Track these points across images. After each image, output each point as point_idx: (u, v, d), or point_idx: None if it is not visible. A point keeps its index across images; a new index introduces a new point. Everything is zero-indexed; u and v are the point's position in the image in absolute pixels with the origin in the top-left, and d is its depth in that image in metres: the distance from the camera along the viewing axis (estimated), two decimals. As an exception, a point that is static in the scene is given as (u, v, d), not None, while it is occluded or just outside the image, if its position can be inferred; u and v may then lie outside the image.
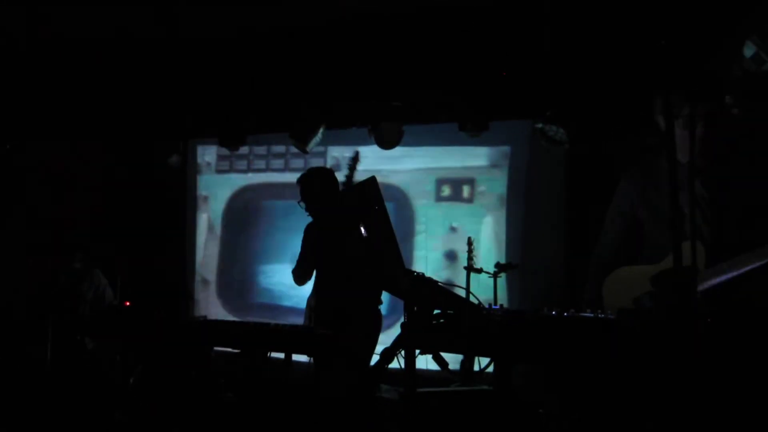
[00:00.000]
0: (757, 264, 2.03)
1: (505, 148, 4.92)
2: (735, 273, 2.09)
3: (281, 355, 2.92)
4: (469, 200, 4.99)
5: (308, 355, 2.85)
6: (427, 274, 2.15)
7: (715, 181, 2.28)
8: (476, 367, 3.78)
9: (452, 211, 5.03)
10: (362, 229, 2.20)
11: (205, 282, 5.70)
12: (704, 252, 2.19)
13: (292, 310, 5.10)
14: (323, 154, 5.34)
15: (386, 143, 4.80)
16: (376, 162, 5.08)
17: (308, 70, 4.72)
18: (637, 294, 2.37)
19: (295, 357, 2.92)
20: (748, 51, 3.37)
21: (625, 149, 4.00)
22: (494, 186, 4.93)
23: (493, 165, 4.94)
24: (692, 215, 1.99)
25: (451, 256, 4.93)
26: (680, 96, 2.20)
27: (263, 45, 4.73)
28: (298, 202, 3.37)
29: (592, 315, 2.15)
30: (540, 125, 4.32)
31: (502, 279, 4.31)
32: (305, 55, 4.68)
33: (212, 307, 5.53)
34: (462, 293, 2.58)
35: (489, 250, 4.80)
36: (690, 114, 2.18)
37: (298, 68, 4.73)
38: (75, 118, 5.24)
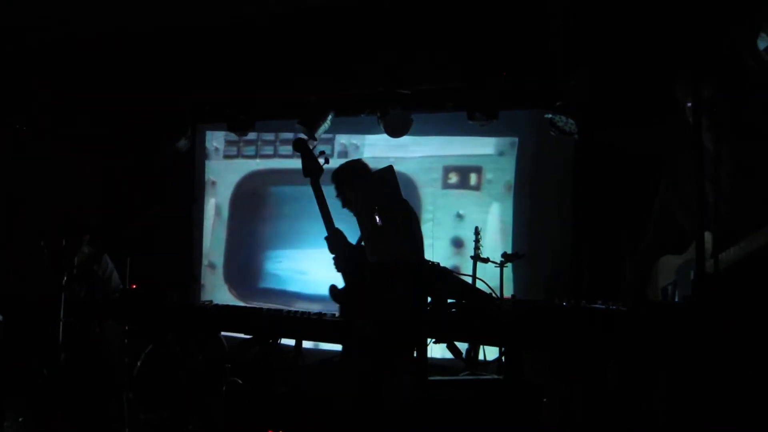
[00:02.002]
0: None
1: (513, 138, 4.91)
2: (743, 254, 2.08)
3: (291, 343, 2.95)
4: (477, 188, 4.98)
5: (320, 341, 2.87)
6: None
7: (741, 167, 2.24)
8: (480, 356, 3.81)
9: (459, 199, 5.02)
10: (377, 218, 2.21)
11: (212, 267, 5.71)
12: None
13: (298, 296, 5.13)
14: (331, 141, 5.33)
15: (395, 131, 4.79)
16: (384, 150, 5.07)
17: (318, 56, 4.70)
18: (664, 284, 2.38)
19: (305, 345, 2.95)
20: (762, 43, 3.35)
21: (635, 140, 4.01)
22: (502, 174, 4.92)
23: (501, 153, 4.93)
24: (716, 204, 1.99)
25: (457, 243, 4.94)
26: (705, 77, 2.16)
27: (273, 29, 4.71)
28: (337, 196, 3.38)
29: (603, 306, 2.17)
30: (549, 115, 4.31)
31: (508, 268, 4.32)
32: (315, 40, 4.66)
33: (219, 292, 5.55)
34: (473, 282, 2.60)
35: (495, 240, 4.81)
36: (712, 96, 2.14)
37: (307, 54, 4.71)
38: (85, 103, 5.24)
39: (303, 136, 3.40)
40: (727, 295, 1.94)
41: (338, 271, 3.14)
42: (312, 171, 3.24)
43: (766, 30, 3.22)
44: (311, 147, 3.29)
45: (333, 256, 3.15)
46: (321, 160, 3.25)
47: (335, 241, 3.12)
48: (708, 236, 2.16)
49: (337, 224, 3.16)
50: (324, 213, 3.15)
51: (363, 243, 3.30)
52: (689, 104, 2.24)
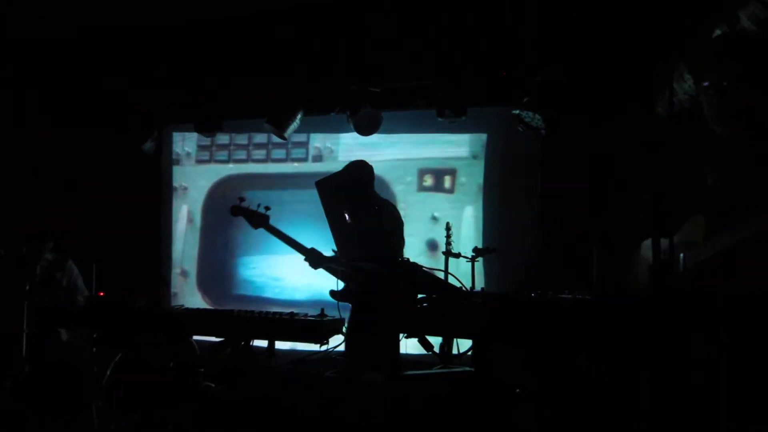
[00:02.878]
0: (736, 240, 2.05)
1: (483, 135, 4.96)
2: (719, 249, 2.10)
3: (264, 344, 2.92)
4: (451, 191, 5.03)
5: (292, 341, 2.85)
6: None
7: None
8: (454, 351, 3.84)
9: (434, 201, 5.06)
10: (346, 216, 2.21)
11: (185, 274, 5.63)
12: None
13: (273, 302, 5.08)
14: (305, 144, 5.32)
15: (365, 129, 4.79)
16: (359, 153, 5.06)
17: (287, 55, 4.68)
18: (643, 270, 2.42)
19: (278, 345, 2.93)
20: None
21: (601, 135, 4.09)
22: (475, 176, 4.97)
23: (475, 156, 4.98)
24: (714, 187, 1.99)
25: (432, 246, 4.97)
26: (707, 57, 2.17)
27: (241, 28, 4.67)
28: None
29: (570, 297, 2.21)
30: (517, 111, 4.37)
31: (479, 263, 4.36)
32: (283, 38, 4.63)
33: (192, 300, 5.46)
34: (444, 278, 2.62)
35: (467, 237, 4.85)
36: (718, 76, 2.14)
37: (276, 52, 4.69)
38: (47, 104, 5.12)
39: (236, 203, 3.71)
40: (689, 290, 1.99)
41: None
42: (259, 222, 3.60)
43: (721, 26, 3.31)
44: (246, 204, 3.65)
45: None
46: (261, 209, 3.61)
47: (313, 259, 3.40)
48: (698, 219, 2.20)
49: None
50: (291, 244, 3.47)
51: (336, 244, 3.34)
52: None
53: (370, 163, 3.61)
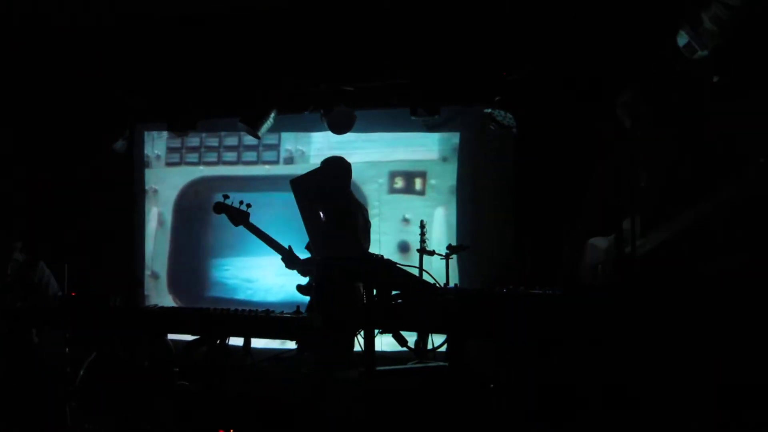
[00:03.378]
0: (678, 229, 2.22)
1: (455, 135, 5.03)
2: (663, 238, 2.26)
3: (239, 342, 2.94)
4: (421, 193, 5.10)
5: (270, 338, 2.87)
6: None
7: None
8: (429, 346, 3.89)
9: (405, 203, 5.12)
10: (321, 214, 2.24)
11: (155, 276, 5.58)
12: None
13: (246, 303, 5.07)
14: (276, 147, 5.32)
15: (339, 128, 4.82)
16: (329, 150, 5.09)
17: (259, 53, 4.67)
18: (594, 263, 2.52)
19: (254, 343, 2.94)
20: (681, 40, 3.57)
21: (571, 133, 4.18)
22: (445, 178, 5.05)
23: (444, 159, 5.06)
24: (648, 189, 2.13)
25: (404, 248, 5.02)
26: (639, 94, 2.36)
27: (213, 26, 4.65)
28: None
29: (540, 291, 2.28)
30: (489, 110, 4.44)
31: (453, 261, 4.43)
32: (256, 37, 4.63)
33: (163, 301, 5.41)
34: (418, 274, 2.67)
35: (441, 235, 4.92)
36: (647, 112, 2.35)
37: (249, 50, 4.68)
38: (15, 102, 5.02)
39: (219, 199, 3.76)
40: (645, 279, 2.09)
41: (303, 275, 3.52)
42: (240, 219, 3.67)
43: (684, 28, 3.43)
44: (230, 201, 3.72)
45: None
46: (243, 207, 3.68)
47: (290, 259, 3.52)
48: (637, 219, 2.32)
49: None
50: (269, 242, 3.56)
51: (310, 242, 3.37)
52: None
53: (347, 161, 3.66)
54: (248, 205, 3.67)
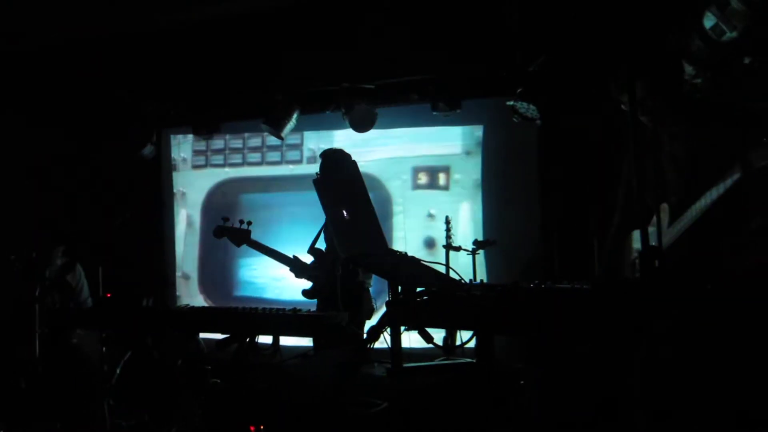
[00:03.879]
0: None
1: (478, 128, 5.00)
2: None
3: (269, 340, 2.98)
4: (446, 188, 5.08)
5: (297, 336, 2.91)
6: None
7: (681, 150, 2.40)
8: (458, 342, 3.88)
9: (429, 199, 5.10)
10: (344, 212, 2.26)
11: (186, 277, 5.69)
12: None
13: (275, 302, 5.13)
14: (300, 146, 5.37)
15: (360, 126, 4.83)
16: (353, 152, 5.10)
17: (279, 53, 4.71)
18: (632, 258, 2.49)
19: (283, 341, 2.98)
20: (708, 22, 3.48)
21: (595, 124, 4.11)
22: (469, 172, 5.02)
23: (468, 153, 5.02)
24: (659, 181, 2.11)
25: (430, 244, 5.01)
26: (639, 82, 2.33)
27: (233, 29, 4.70)
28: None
29: (569, 286, 2.25)
30: (511, 102, 4.39)
31: (480, 256, 4.40)
32: (276, 37, 4.67)
33: (194, 302, 5.51)
34: (443, 271, 2.67)
35: (465, 232, 4.89)
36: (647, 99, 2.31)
37: (269, 52, 4.72)
38: (49, 112, 5.17)
39: (220, 223, 3.75)
40: (672, 271, 2.05)
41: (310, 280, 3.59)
42: (242, 239, 3.70)
43: (711, 9, 3.34)
44: (229, 223, 3.72)
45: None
46: (244, 226, 3.70)
47: (297, 268, 3.58)
48: (665, 207, 2.30)
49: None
50: (274, 255, 3.63)
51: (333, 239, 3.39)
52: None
53: (365, 164, 3.67)
54: (249, 223, 3.68)
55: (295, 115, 4.83)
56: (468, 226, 4.96)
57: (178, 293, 5.65)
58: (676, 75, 2.51)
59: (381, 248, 2.15)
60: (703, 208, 2.20)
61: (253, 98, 5.05)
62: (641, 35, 3.28)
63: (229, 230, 3.72)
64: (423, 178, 5.12)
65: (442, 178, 5.08)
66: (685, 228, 2.26)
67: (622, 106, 2.45)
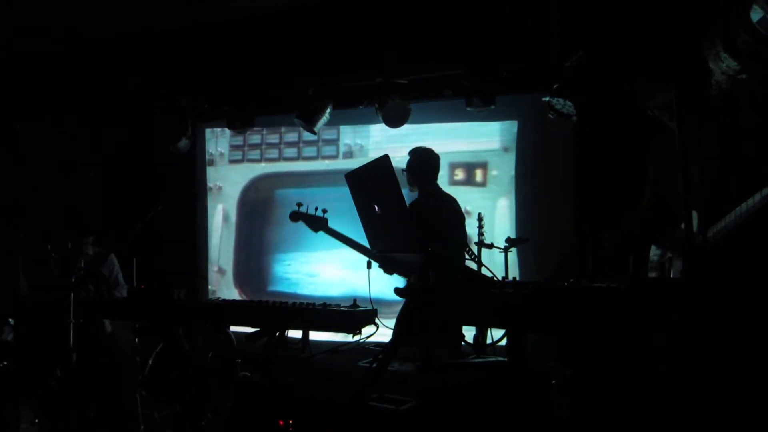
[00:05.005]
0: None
1: (514, 126, 4.91)
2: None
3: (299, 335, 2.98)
4: (482, 184, 5.01)
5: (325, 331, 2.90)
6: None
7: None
8: (489, 341, 3.83)
9: (466, 195, 5.03)
10: (376, 207, 2.23)
11: (222, 271, 5.76)
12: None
13: (308, 298, 5.13)
14: (336, 141, 5.37)
15: (394, 121, 4.80)
16: (389, 148, 5.08)
17: (313, 48, 4.72)
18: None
19: (312, 336, 2.97)
20: (755, 15, 3.35)
21: (632, 122, 4.00)
22: (506, 168, 4.94)
23: (505, 149, 4.95)
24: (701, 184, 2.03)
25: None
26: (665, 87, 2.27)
27: (269, 24, 4.73)
28: (403, 171, 3.59)
29: (604, 285, 2.18)
30: (547, 98, 4.31)
31: (513, 254, 4.33)
32: (310, 32, 4.67)
33: (229, 295, 5.58)
34: (475, 268, 2.62)
35: (501, 228, 4.82)
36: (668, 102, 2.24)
37: (303, 46, 4.73)
38: (84, 105, 5.28)
39: (295, 207, 3.69)
40: (715, 270, 1.98)
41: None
42: (319, 225, 3.61)
43: (758, 2, 3.21)
44: (304, 209, 3.64)
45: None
46: (319, 213, 3.61)
47: (386, 264, 3.41)
48: (693, 215, 2.21)
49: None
50: (355, 247, 3.49)
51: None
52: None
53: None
54: (324, 210, 3.64)
55: (328, 110, 4.83)
56: (504, 223, 4.88)
57: (213, 287, 5.73)
58: (702, 81, 2.43)
59: (412, 244, 2.12)
60: (753, 206, 2.12)
61: (287, 92, 5.06)
62: (683, 32, 3.18)
63: (304, 216, 3.68)
64: (459, 174, 5.06)
65: (479, 174, 5.01)
66: (731, 227, 2.17)
67: (649, 113, 2.39)
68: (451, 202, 3.75)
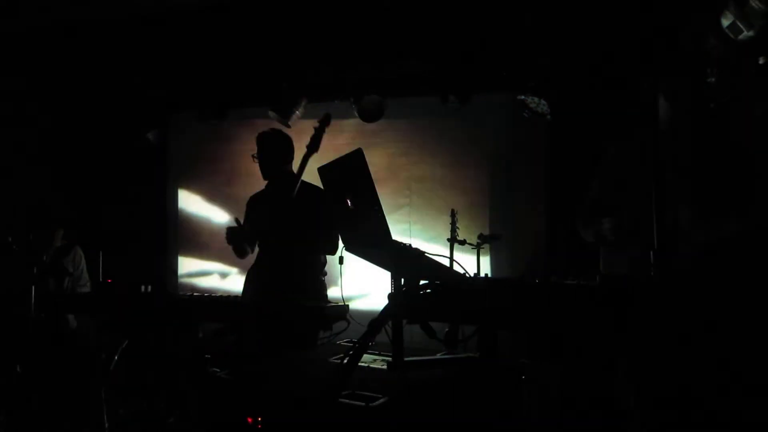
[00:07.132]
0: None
1: (487, 121, 4.94)
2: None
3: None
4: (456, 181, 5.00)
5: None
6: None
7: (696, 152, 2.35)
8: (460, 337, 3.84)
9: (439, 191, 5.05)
10: (348, 202, 2.21)
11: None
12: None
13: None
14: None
15: (369, 116, 4.78)
16: (361, 138, 5.07)
17: (288, 41, 4.66)
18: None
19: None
20: (725, 21, 3.42)
21: (605, 120, 4.05)
22: (480, 165, 4.95)
23: (479, 145, 4.96)
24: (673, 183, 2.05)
25: (437, 237, 4.98)
26: (666, 71, 2.26)
27: (243, 14, 4.65)
28: (253, 156, 3.40)
29: (575, 282, 2.20)
30: (522, 97, 4.34)
31: (485, 250, 4.36)
32: (285, 24, 4.61)
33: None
34: (447, 264, 2.61)
35: (472, 223, 4.84)
36: (672, 86, 2.24)
37: (277, 39, 4.67)
38: (52, 95, 5.14)
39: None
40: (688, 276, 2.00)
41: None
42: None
43: (729, 8, 3.28)
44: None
45: None
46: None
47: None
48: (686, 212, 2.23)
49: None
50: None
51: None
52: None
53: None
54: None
55: (302, 104, 4.79)
56: (474, 217, 4.90)
57: (182, 281, 5.63)
58: (699, 79, 2.46)
59: (385, 239, 2.10)
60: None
61: (260, 85, 5.00)
62: (657, 33, 3.23)
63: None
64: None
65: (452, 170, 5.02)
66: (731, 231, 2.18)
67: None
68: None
